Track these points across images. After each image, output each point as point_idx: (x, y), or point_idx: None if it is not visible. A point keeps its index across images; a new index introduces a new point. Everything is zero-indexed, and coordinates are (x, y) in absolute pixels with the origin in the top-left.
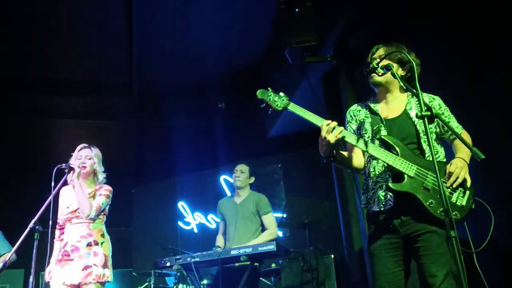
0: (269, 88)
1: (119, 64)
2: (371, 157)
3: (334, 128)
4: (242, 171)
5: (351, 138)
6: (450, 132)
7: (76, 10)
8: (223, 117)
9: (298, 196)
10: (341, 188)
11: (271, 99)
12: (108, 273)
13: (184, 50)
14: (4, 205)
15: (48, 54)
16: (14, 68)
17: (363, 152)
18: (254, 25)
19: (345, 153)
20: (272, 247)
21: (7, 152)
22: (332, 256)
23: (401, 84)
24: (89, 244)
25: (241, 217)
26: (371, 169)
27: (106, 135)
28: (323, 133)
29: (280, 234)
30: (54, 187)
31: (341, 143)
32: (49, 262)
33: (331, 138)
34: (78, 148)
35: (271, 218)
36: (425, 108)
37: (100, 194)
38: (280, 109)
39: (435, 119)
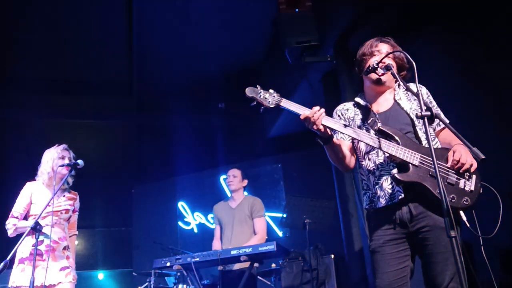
0: (257, 86)
1: (119, 64)
2: (367, 153)
3: (318, 118)
4: (234, 175)
5: (336, 125)
6: (436, 123)
7: (76, 10)
8: (223, 117)
9: (298, 196)
10: (341, 188)
11: (261, 97)
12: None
13: (184, 50)
14: (5, 205)
15: (48, 54)
16: (14, 68)
17: (352, 149)
18: (254, 25)
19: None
20: (272, 247)
21: (7, 152)
22: (332, 256)
23: (402, 84)
24: (64, 248)
25: (238, 221)
26: (371, 164)
27: (106, 135)
28: (308, 126)
29: (280, 234)
30: (56, 186)
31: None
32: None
33: (317, 125)
34: (61, 147)
35: (262, 223)
36: (425, 108)
37: (75, 211)
38: (272, 106)
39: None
